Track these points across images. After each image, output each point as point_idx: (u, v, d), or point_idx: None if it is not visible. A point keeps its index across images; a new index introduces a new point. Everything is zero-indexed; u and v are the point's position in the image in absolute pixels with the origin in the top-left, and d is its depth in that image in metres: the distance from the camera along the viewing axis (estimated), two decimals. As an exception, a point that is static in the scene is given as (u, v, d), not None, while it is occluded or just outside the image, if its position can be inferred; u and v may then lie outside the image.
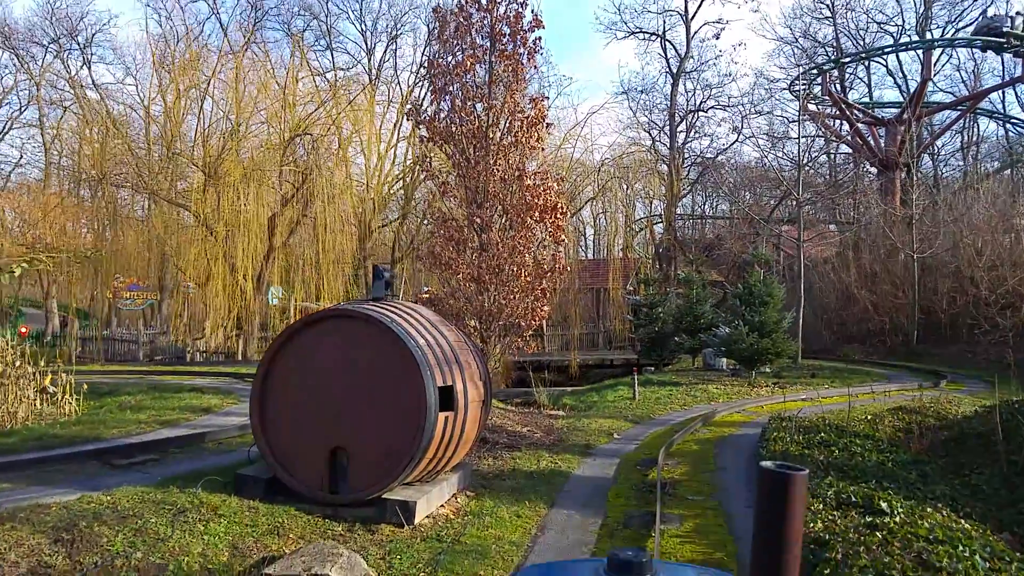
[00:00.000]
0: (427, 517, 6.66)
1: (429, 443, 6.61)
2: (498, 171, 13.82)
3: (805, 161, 27.78)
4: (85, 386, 11.03)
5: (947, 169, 46.17)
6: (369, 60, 39.93)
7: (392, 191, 32.49)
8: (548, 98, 14.58)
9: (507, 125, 14.22)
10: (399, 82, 36.93)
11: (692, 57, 39.47)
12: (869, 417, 11.43)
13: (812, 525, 5.99)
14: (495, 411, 12.67)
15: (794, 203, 39.83)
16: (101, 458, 7.62)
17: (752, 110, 41.31)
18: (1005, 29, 32.10)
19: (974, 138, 46.12)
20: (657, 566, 1.77)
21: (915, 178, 32.46)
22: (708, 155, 41.91)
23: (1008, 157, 40.93)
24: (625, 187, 33.86)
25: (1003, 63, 43.83)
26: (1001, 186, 33.14)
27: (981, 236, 25.79)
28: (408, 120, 14.70)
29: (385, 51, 39.02)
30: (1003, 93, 42.13)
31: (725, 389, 17.04)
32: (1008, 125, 42.29)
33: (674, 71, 38.72)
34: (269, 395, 6.90)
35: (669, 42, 39.41)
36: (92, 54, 49.11)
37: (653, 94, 52.27)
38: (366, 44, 40.74)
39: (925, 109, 36.53)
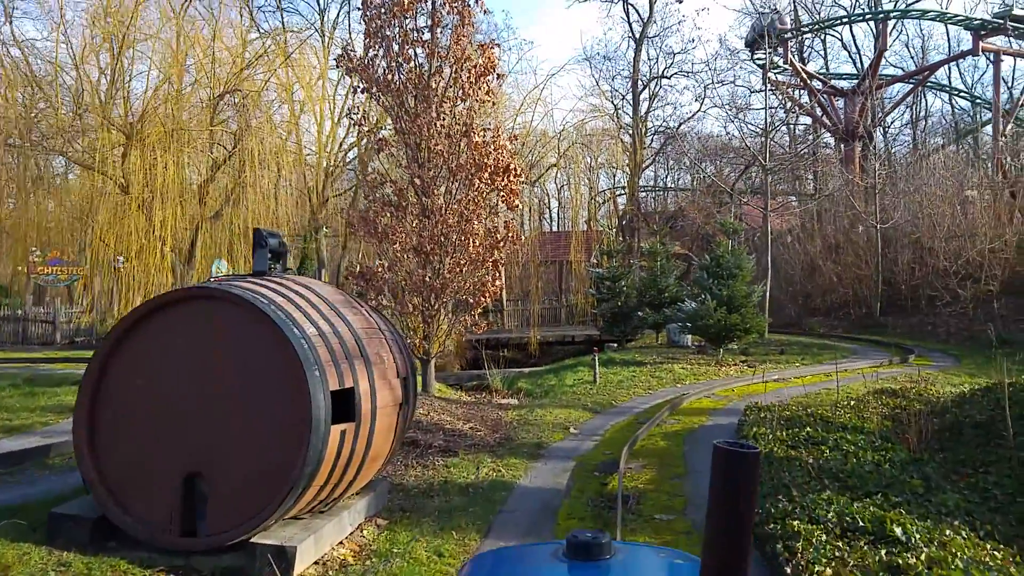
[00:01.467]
0: (316, 563, 5.08)
1: (317, 466, 5.02)
2: (443, 126, 12.13)
3: (770, 129, 26.64)
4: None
5: (895, 145, 46.13)
6: (322, 21, 37.34)
7: (347, 160, 30.44)
8: (499, 45, 12.87)
9: (452, 75, 12.49)
10: (353, 44, 34.49)
11: (655, 22, 37.80)
12: (852, 403, 10.17)
13: (818, 569, 4.60)
14: (435, 404, 11.12)
15: (756, 174, 38.90)
16: None
17: (715, 79, 39.99)
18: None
19: (921, 113, 46.24)
20: (617, 547, 1.77)
21: (875, 148, 31.69)
22: (671, 124, 40.59)
23: (955, 132, 40.75)
24: (588, 158, 32.34)
25: (948, 38, 43.95)
26: (956, 156, 32.56)
27: (939, 207, 25.01)
28: (339, 66, 12.78)
29: (339, 13, 36.46)
30: (949, 69, 41.95)
31: (691, 369, 15.75)
32: (955, 100, 42.32)
33: (637, 36, 37.02)
34: (103, 402, 5.21)
35: (631, 5, 37.65)
36: (14, 8, 45.26)
37: (616, 61, 50.55)
38: (318, 4, 38.13)
39: (880, 81, 35.81)
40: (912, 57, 46.37)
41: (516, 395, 15.32)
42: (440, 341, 12.89)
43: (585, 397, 12.95)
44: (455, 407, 11.29)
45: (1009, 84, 39.75)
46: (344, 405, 5.41)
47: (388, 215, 12.11)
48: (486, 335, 26.73)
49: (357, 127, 12.73)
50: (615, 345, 22.68)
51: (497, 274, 12.63)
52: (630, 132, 36.10)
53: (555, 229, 44.69)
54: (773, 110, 35.14)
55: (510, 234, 12.25)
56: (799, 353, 18.35)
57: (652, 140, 38.89)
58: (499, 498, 7.00)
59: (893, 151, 43.72)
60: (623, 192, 39.10)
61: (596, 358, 14.40)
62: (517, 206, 12.53)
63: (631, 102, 37.54)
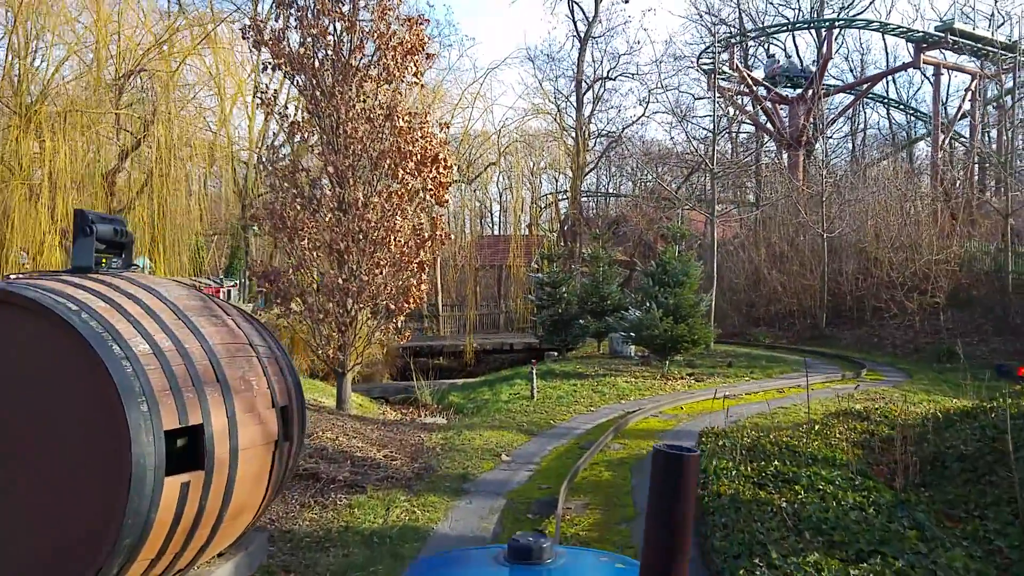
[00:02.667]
0: None
1: (142, 536, 3.59)
2: (364, 109, 10.71)
3: (717, 132, 26.08)
4: None
5: (834, 156, 46.79)
6: (255, 9, 35.24)
7: (282, 156, 28.45)
8: (428, 21, 11.50)
9: (376, 52, 11.10)
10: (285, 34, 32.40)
11: (600, 22, 37.03)
12: (817, 427, 9.19)
13: None
14: (347, 425, 9.66)
15: (698, 181, 38.55)
16: None
17: (660, 84, 39.59)
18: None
19: (860, 125, 47.19)
20: (558, 551, 1.77)
21: (825, 155, 31.69)
22: (614, 129, 40.00)
23: (892, 144, 41.51)
24: (531, 160, 31.31)
25: (887, 53, 44.93)
26: (899, 167, 32.85)
27: (884, 217, 24.86)
28: (245, 38, 11.23)
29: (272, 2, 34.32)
30: (887, 82, 42.64)
31: (636, 383, 14.67)
32: (892, 113, 43.20)
33: (582, 35, 36.17)
34: None
35: (576, 3, 36.76)
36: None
37: (559, 62, 49.74)
38: (253, -8, 35.86)
39: (824, 90, 35.99)
40: (851, 70, 47.23)
41: (446, 411, 13.96)
42: (358, 352, 11.42)
43: (521, 415, 11.66)
44: (371, 428, 9.83)
45: (944, 101, 40.56)
46: (191, 448, 4.01)
47: (299, 207, 10.61)
48: (419, 342, 25.28)
49: (265, 108, 11.08)
50: (555, 354, 21.56)
51: (424, 277, 11.27)
52: (573, 135, 35.21)
53: (497, 233, 43.72)
54: (719, 117, 34.94)
55: (439, 232, 10.90)
56: (747, 366, 17.53)
57: (596, 143, 38.11)
58: (409, 552, 5.64)
59: (833, 162, 44.24)
60: (565, 196, 38.28)
61: (534, 371, 13.12)
62: (446, 201, 11.20)
63: (575, 104, 36.66)
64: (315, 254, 10.40)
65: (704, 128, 37.21)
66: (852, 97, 38.96)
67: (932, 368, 17.95)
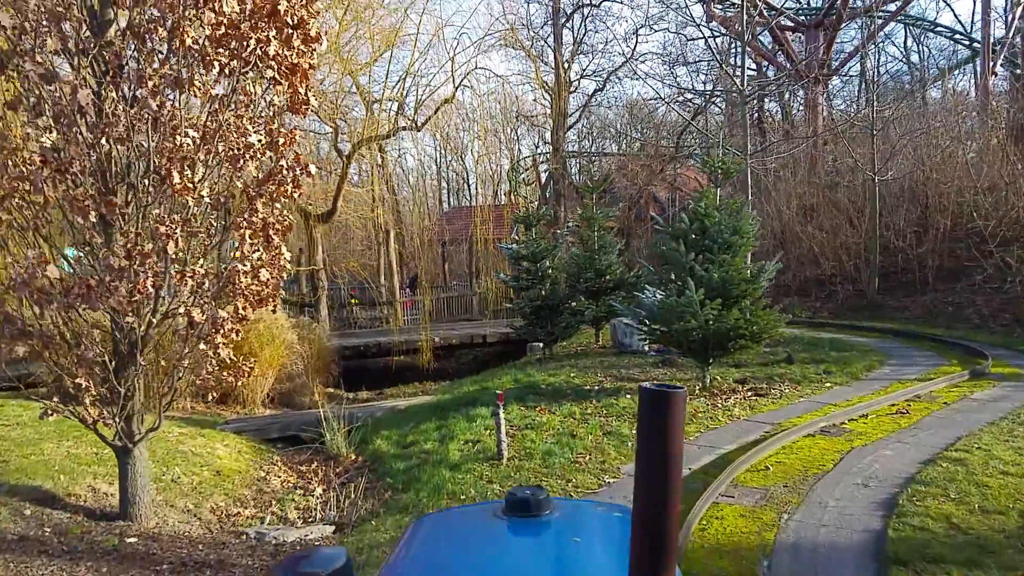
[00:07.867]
0: None
1: None
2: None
3: (745, 41, 20.56)
4: None
5: (843, 98, 41.27)
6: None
7: None
8: None
9: None
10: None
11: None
12: None
13: None
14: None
15: (694, 136, 33.05)
16: None
17: (650, 24, 33.96)
18: None
19: (872, 66, 41.72)
20: (556, 503, 1.81)
21: (876, 76, 26.45)
22: (600, 72, 34.30)
23: (916, 74, 36.20)
24: (505, 123, 25.69)
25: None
26: (957, 97, 27.50)
27: (954, 153, 19.57)
28: None
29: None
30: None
31: (667, 405, 9.29)
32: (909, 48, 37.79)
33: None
34: None
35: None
36: None
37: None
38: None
39: (856, 9, 30.47)
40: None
41: (363, 469, 8.52)
42: (160, 404, 5.93)
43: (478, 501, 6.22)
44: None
45: (971, 23, 35.03)
46: None
47: (6, 112, 5.04)
48: (367, 339, 19.80)
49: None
50: (540, 346, 16.11)
51: (282, 254, 5.75)
52: (550, 87, 29.48)
53: (474, 204, 38.27)
54: (750, 20, 29.35)
55: (285, 163, 5.37)
56: (812, 359, 12.28)
57: (578, 86, 32.38)
58: None
59: (843, 106, 38.81)
60: (545, 159, 32.79)
61: (501, 415, 7.55)
62: (308, 104, 5.61)
63: (552, 35, 30.84)
64: (17, 216, 4.84)
65: (703, 72, 31.59)
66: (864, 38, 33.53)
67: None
